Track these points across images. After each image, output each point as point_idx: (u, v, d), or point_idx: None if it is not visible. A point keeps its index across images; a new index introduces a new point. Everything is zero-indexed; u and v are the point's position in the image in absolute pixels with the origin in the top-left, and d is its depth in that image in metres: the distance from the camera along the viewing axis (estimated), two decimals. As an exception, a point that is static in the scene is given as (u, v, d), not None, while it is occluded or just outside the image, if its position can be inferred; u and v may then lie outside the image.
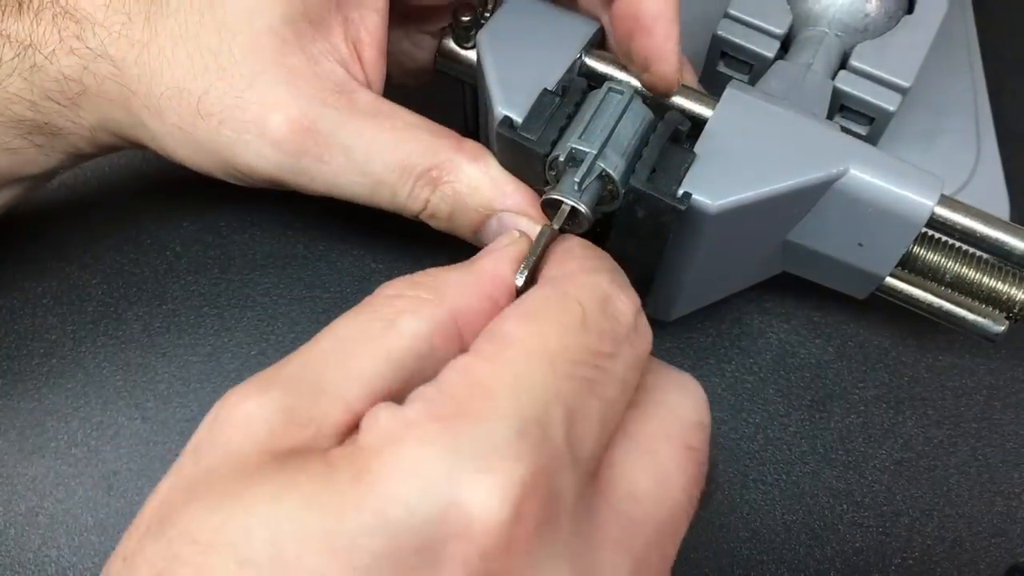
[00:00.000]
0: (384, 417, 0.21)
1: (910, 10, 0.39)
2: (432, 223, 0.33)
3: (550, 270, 0.26)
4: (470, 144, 0.32)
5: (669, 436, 0.25)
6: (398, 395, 0.22)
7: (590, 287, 0.24)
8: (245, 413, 0.21)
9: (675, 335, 0.41)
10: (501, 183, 0.31)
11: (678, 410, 0.26)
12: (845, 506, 0.38)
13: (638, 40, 0.32)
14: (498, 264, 0.26)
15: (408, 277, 0.25)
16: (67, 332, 0.40)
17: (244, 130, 0.31)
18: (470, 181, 0.31)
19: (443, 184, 0.31)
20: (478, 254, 0.27)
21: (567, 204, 0.28)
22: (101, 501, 0.36)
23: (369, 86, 0.33)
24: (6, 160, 0.33)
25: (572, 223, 0.28)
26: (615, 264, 0.27)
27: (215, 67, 0.30)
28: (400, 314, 0.24)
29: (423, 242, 0.36)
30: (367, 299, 0.25)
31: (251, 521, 0.19)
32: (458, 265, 0.26)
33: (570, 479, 0.21)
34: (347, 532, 0.19)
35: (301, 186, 0.32)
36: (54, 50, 0.31)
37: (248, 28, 0.30)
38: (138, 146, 0.34)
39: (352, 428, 0.22)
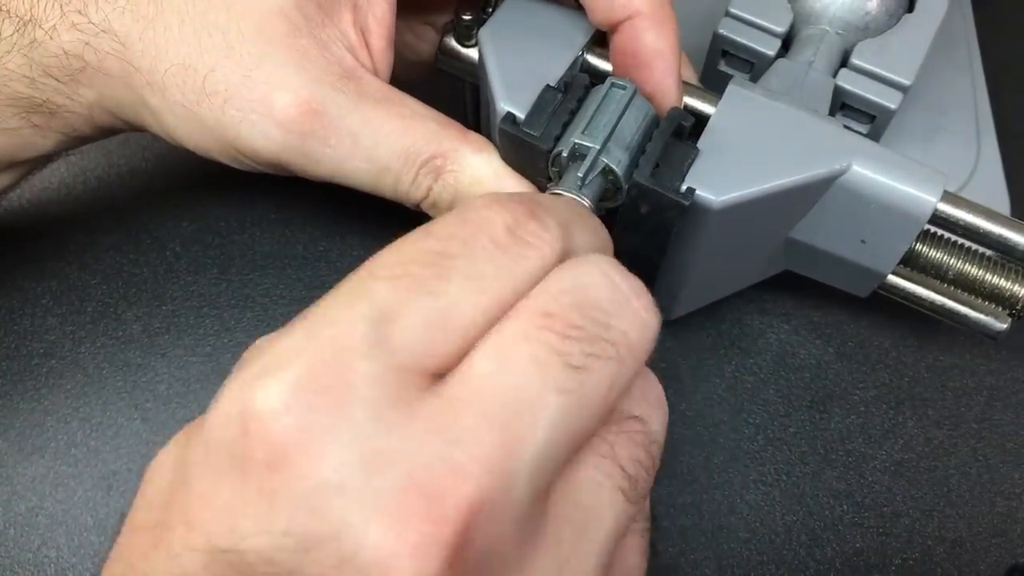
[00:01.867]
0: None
1: (911, 8, 0.39)
2: (432, 213, 0.32)
3: None
4: (475, 136, 0.32)
5: (522, 309, 0.22)
6: None
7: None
8: None
9: (675, 335, 0.41)
10: (503, 176, 0.31)
11: (547, 283, 0.22)
12: (845, 507, 0.38)
13: (638, 75, 0.32)
14: None
15: None
16: (66, 332, 0.39)
17: (250, 109, 0.30)
18: (473, 172, 0.31)
19: (446, 173, 0.31)
20: None
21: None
22: (101, 501, 0.36)
23: (376, 74, 0.32)
24: (3, 141, 0.33)
25: None
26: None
27: (223, 45, 0.30)
28: None
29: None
30: None
31: None
32: None
33: (365, 369, 0.20)
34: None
35: (304, 170, 0.32)
36: (55, 25, 0.31)
37: (258, 9, 0.30)
38: (138, 128, 0.33)
39: None
